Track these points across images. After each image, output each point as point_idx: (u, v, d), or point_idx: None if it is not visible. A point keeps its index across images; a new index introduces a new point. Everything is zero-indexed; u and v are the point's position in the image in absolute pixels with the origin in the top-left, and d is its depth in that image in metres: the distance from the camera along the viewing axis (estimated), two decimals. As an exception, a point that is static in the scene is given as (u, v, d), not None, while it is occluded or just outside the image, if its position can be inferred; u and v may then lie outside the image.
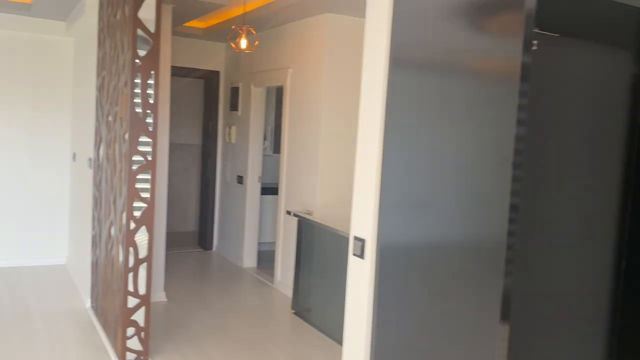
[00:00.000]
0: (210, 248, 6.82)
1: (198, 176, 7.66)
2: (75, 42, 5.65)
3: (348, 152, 4.86)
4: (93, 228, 4.53)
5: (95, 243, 4.46)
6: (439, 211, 1.96)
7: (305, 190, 4.95)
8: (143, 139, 3.54)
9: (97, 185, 4.43)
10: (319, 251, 4.48)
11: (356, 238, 2.46)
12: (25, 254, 5.70)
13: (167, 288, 5.01)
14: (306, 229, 4.58)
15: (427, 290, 2.01)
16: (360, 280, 2.42)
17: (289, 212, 4.75)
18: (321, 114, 4.72)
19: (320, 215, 4.68)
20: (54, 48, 5.69)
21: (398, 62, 2.17)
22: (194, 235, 7.37)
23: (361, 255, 2.42)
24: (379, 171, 2.30)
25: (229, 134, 6.45)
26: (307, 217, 4.52)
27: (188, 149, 7.79)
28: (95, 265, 4.46)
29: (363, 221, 2.39)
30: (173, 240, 6.42)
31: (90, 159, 4.69)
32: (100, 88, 4.35)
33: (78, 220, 5.34)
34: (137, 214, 3.54)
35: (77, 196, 5.42)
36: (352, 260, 2.49)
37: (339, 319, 4.23)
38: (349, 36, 4.74)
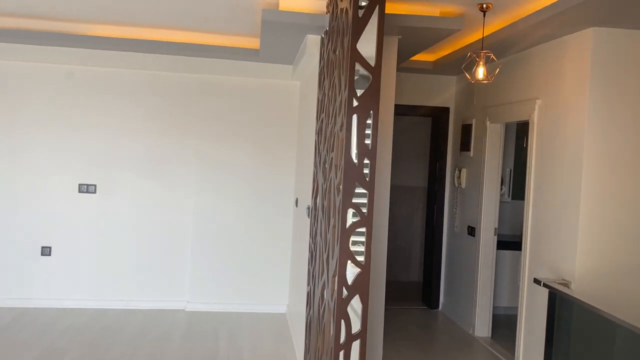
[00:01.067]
0: (436, 307, 6.03)
1: (422, 221, 7.00)
2: (301, 85, 5.54)
3: (627, 206, 3.69)
4: (308, 283, 4.15)
5: (309, 301, 4.06)
6: None
7: (560, 251, 3.88)
8: (359, 190, 3.01)
9: (312, 237, 4.05)
10: (582, 337, 3.37)
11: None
12: (248, 299, 5.66)
13: (385, 356, 4.37)
14: (562, 305, 3.52)
15: None
16: None
17: (537, 282, 3.74)
18: (583, 154, 3.66)
19: (582, 287, 3.58)
20: (281, 92, 5.65)
21: None
22: (417, 288, 6.67)
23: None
24: None
25: (459, 177, 5.65)
26: (564, 290, 3.47)
27: (412, 191, 7.22)
28: (308, 327, 4.05)
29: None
30: (394, 292, 5.81)
31: (308, 208, 4.37)
32: (318, 132, 4.01)
33: (296, 271, 5.08)
34: (351, 273, 3.00)
35: (297, 244, 5.19)
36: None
37: None
38: (626, 55, 3.63)
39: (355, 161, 2.93)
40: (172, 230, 5.59)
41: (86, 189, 5.44)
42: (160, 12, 4.28)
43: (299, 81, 5.58)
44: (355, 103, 2.95)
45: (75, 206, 5.44)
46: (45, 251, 5.41)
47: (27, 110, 5.36)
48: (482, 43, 3.87)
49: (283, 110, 5.66)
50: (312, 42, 4.01)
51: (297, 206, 5.36)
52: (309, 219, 4.28)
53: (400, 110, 5.23)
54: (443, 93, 5.91)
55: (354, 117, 2.94)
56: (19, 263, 5.38)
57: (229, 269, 5.64)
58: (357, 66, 2.97)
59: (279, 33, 4.06)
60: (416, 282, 7.11)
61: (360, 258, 3.00)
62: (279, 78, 5.58)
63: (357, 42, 2.92)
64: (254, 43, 4.99)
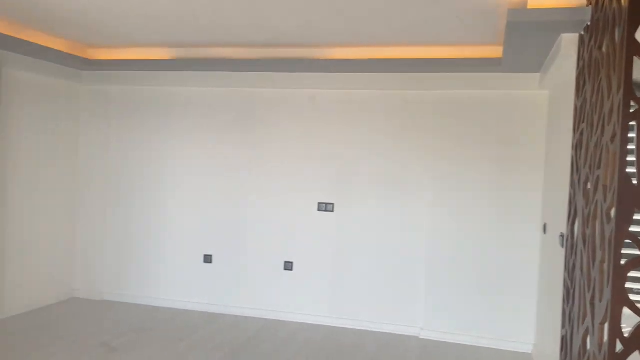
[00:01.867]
0: None
1: None
2: (550, 95, 4.88)
3: None
4: (563, 326, 3.51)
5: (564, 347, 3.43)
6: None
7: None
8: (637, 217, 2.38)
9: (569, 271, 3.42)
10: None
11: None
12: (487, 332, 5.13)
13: None
14: None
15: None
16: None
17: None
18: None
19: None
20: (525, 104, 5.06)
21: None
22: None
23: None
24: None
25: None
26: None
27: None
28: (563, 377, 3.41)
29: None
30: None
31: (562, 235, 3.74)
32: (577, 146, 3.39)
33: (546, 307, 4.41)
34: (626, 326, 2.38)
35: (546, 277, 4.52)
36: None
37: None
38: None
39: (634, 181, 2.33)
40: (406, 252, 5.39)
41: (325, 207, 5.59)
42: (394, 29, 4.16)
43: (548, 90, 4.93)
44: (632, 108, 2.35)
45: (315, 224, 5.62)
46: (288, 266, 5.70)
47: (275, 133, 5.75)
48: None
49: (527, 124, 5.06)
50: (569, 42, 3.43)
51: (545, 233, 4.69)
52: (563, 249, 3.65)
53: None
54: None
55: (632, 125, 2.34)
56: (266, 276, 5.76)
57: (465, 297, 5.21)
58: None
59: (526, 35, 3.58)
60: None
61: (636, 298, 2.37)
62: (523, 88, 5.01)
63: (635, 32, 2.33)
64: (494, 52, 4.56)
